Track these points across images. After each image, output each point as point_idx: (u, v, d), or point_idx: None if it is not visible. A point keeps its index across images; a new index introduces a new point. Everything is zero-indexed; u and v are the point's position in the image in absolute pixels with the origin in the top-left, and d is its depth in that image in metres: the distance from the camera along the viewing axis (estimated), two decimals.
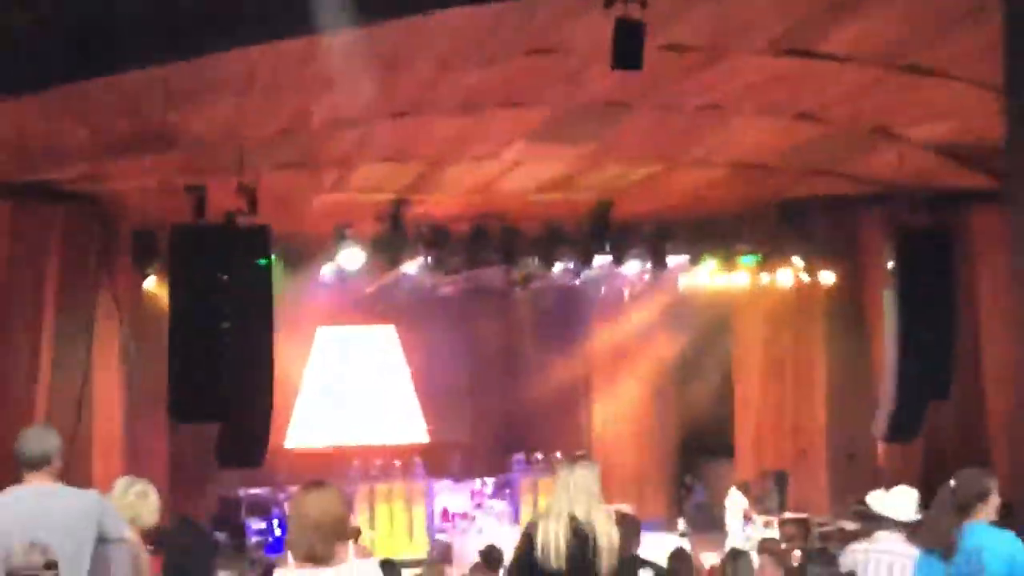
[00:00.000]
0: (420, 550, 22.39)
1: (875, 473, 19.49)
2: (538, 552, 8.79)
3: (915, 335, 20.23)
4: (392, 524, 22.83)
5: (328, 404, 25.56)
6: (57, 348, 17.37)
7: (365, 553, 8.47)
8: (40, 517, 7.65)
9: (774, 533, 21.16)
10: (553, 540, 8.72)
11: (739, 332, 24.22)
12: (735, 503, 21.82)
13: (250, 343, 17.70)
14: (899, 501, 9.47)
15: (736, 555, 12.62)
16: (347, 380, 25.77)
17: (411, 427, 25.75)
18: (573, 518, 8.78)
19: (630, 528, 9.76)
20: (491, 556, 14.35)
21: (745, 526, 21.84)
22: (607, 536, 8.76)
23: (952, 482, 8.38)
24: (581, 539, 8.78)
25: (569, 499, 8.83)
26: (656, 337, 24.87)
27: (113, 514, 8.16)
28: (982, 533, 8.16)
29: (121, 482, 9.09)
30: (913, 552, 8.93)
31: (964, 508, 8.21)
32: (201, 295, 17.46)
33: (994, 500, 8.34)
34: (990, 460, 19.05)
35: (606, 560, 8.73)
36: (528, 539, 8.93)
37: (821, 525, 19.69)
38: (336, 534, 8.47)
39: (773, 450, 23.35)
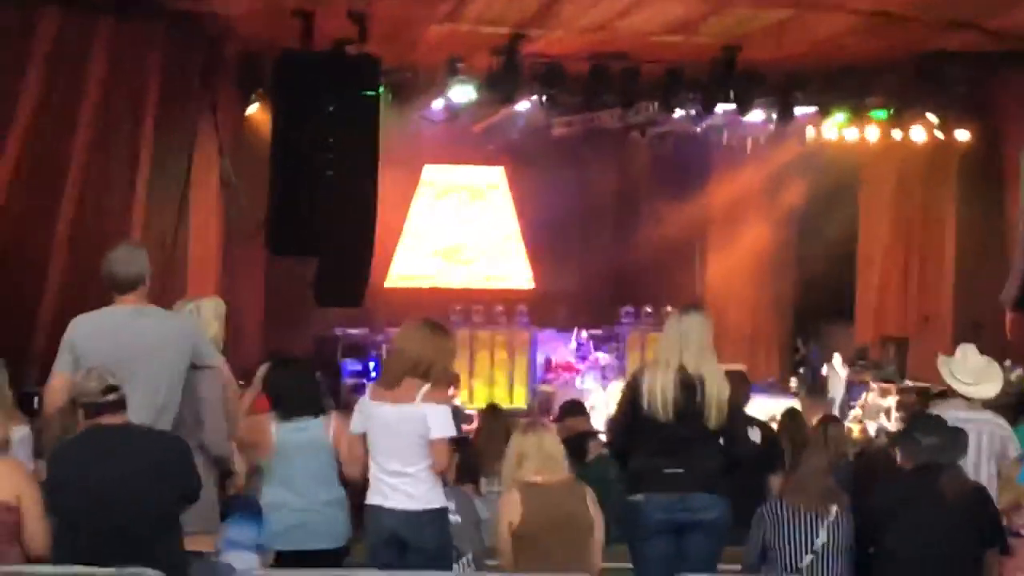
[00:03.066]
0: (520, 400, 22.00)
1: (1002, 345, 18.65)
2: (644, 402, 8.31)
3: None
4: (492, 373, 22.39)
5: (432, 245, 25.01)
6: (154, 170, 16.96)
7: (441, 398, 8.18)
8: (132, 338, 7.41)
9: (891, 402, 20.55)
10: (660, 390, 8.25)
11: (866, 190, 23.39)
12: (836, 370, 21.25)
13: (353, 177, 17.36)
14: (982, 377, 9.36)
15: (829, 421, 12.07)
16: (452, 221, 25.20)
17: (517, 273, 25.20)
18: (682, 368, 8.28)
19: (740, 386, 9.32)
20: (572, 409, 13.53)
21: (861, 393, 21.25)
22: (717, 388, 8.25)
23: None
24: (690, 390, 8.29)
25: (679, 348, 8.32)
26: (778, 191, 24.12)
27: (207, 340, 7.91)
28: None
29: (187, 302, 8.62)
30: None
31: None
32: (305, 125, 17.13)
33: None
34: None
35: (715, 413, 8.23)
36: (633, 389, 8.47)
37: (937, 395, 18.97)
38: (421, 372, 8.04)
39: (895, 315, 22.67)
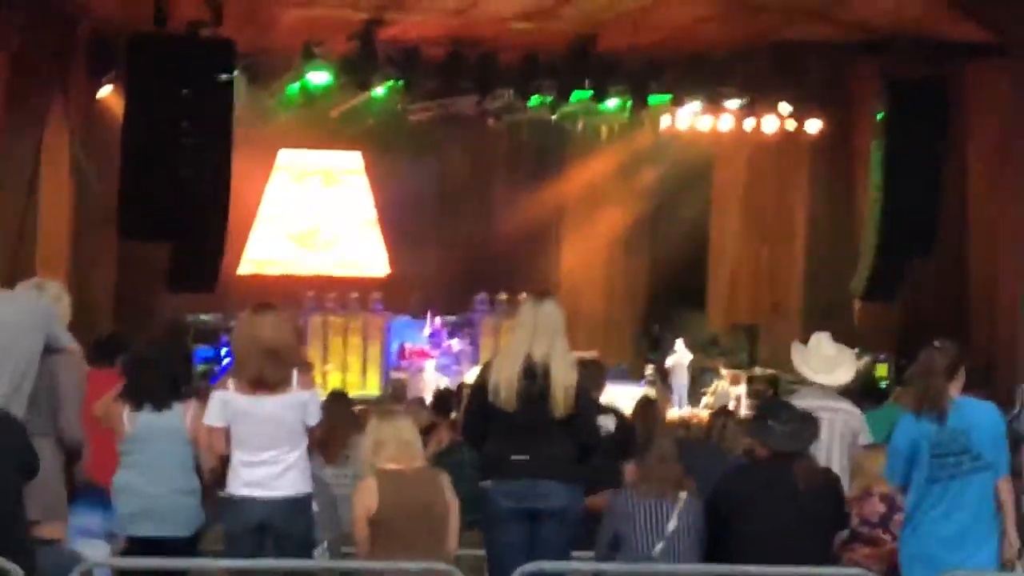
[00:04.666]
0: (374, 387, 21.92)
1: (851, 332, 18.91)
2: (490, 391, 8.21)
3: (900, 190, 19.74)
4: (346, 359, 22.28)
5: (286, 229, 24.79)
6: (3, 154, 16.65)
7: (308, 384, 8.11)
8: None
9: (741, 389, 20.78)
10: (505, 379, 8.15)
11: (719, 178, 23.58)
12: (679, 358, 21.42)
13: (207, 162, 17.21)
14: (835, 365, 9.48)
15: (723, 415, 12.12)
16: (308, 205, 24.99)
17: (372, 259, 25.06)
18: (529, 357, 8.16)
19: (593, 374, 9.35)
20: (440, 401, 13.62)
21: (711, 380, 21.47)
22: (561, 378, 8.16)
23: (938, 344, 8.14)
24: (535, 378, 8.17)
25: (530, 337, 8.24)
26: (632, 179, 24.21)
27: (61, 323, 7.80)
28: (969, 408, 7.96)
29: (31, 283, 8.44)
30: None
31: (951, 372, 7.96)
32: (158, 109, 16.98)
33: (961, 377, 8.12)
34: (969, 323, 18.79)
35: (562, 401, 8.13)
36: (481, 380, 8.38)
37: (791, 383, 19.18)
38: (286, 359, 7.99)
39: (746, 303, 22.90)
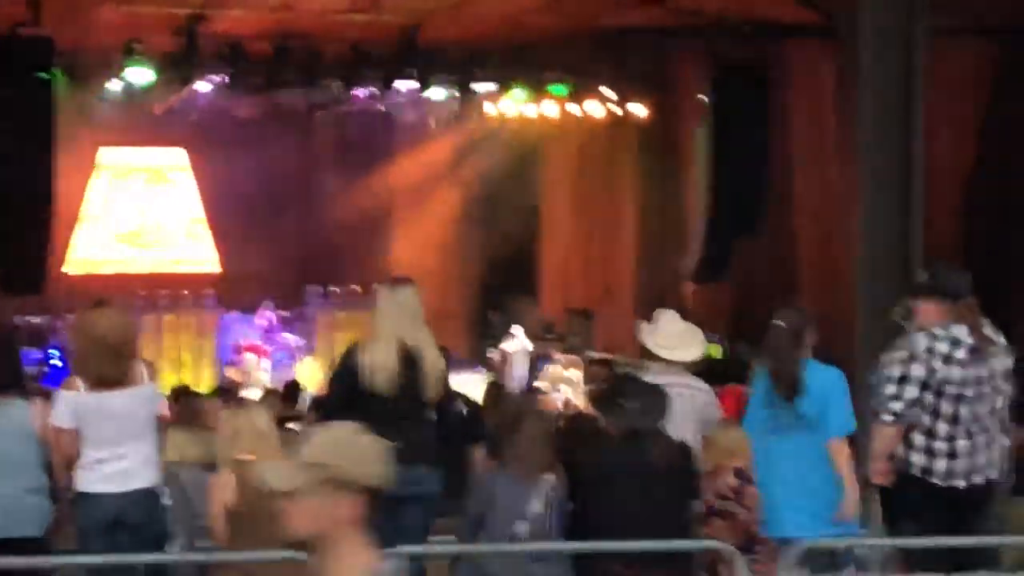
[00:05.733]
0: (208, 384, 21.66)
1: (684, 314, 19.09)
2: (364, 377, 8.34)
3: (727, 172, 20.14)
4: (180, 356, 22.01)
5: (112, 229, 24.37)
6: None
7: (152, 376, 8.11)
8: None
9: (575, 374, 20.84)
10: (382, 364, 8.20)
11: (547, 165, 23.64)
12: (517, 344, 21.44)
13: (27, 161, 16.98)
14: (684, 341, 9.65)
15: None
16: (133, 204, 24.59)
17: (202, 256, 24.74)
18: (401, 341, 8.20)
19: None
20: (290, 392, 13.65)
21: (546, 365, 21.49)
22: (433, 363, 8.26)
23: (781, 321, 8.58)
24: (409, 363, 8.37)
25: (395, 323, 8.29)
26: (462, 168, 24.17)
27: None
28: (818, 372, 8.48)
29: None
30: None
31: (800, 343, 8.46)
32: None
33: (812, 335, 8.63)
34: (799, 297, 19.08)
35: (433, 385, 8.21)
36: (349, 364, 8.52)
37: (626, 366, 19.33)
38: (127, 354, 7.92)
39: (579, 288, 22.99)
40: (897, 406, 8.25)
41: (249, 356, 21.61)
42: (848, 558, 8.68)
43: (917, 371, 8.25)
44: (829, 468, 8.45)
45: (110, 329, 7.90)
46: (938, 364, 8.25)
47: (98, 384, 7.83)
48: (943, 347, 8.29)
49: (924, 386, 8.25)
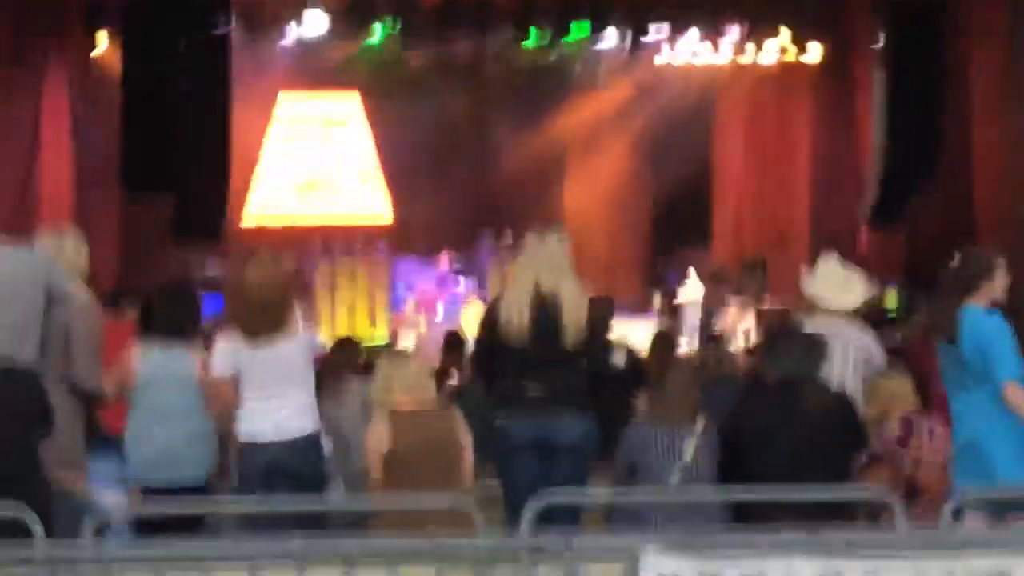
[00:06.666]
0: (383, 332, 21.90)
1: (858, 260, 18.90)
2: (501, 325, 8.24)
3: (902, 116, 19.78)
4: (355, 305, 22.25)
5: (288, 179, 24.63)
6: (2, 114, 16.65)
7: (309, 326, 8.20)
8: None
9: (751, 323, 20.70)
10: (516, 315, 8.16)
11: (720, 110, 23.40)
12: (690, 293, 21.30)
13: (206, 112, 17.35)
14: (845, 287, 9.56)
15: (714, 343, 12.16)
16: (308, 154, 24.82)
17: (375, 205, 24.93)
18: (538, 288, 8.13)
19: (602, 309, 9.28)
20: (451, 342, 13.72)
21: (720, 315, 21.36)
22: (574, 309, 8.15)
23: (955, 262, 8.15)
24: (545, 310, 8.18)
25: (536, 270, 8.22)
26: (633, 115, 24.04)
27: (64, 274, 7.81)
28: (970, 319, 7.86)
29: (49, 235, 8.43)
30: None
31: (968, 287, 7.89)
32: (155, 62, 17.02)
33: (1001, 279, 8.03)
34: (977, 242, 18.74)
35: (572, 336, 8.11)
36: (491, 316, 8.43)
37: (801, 314, 19.14)
38: (281, 304, 8.01)
39: (753, 235, 22.75)
40: None
41: (413, 304, 21.81)
42: None
43: None
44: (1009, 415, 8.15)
45: (263, 280, 8.01)
46: None
47: (253, 334, 7.94)
48: None
49: None
